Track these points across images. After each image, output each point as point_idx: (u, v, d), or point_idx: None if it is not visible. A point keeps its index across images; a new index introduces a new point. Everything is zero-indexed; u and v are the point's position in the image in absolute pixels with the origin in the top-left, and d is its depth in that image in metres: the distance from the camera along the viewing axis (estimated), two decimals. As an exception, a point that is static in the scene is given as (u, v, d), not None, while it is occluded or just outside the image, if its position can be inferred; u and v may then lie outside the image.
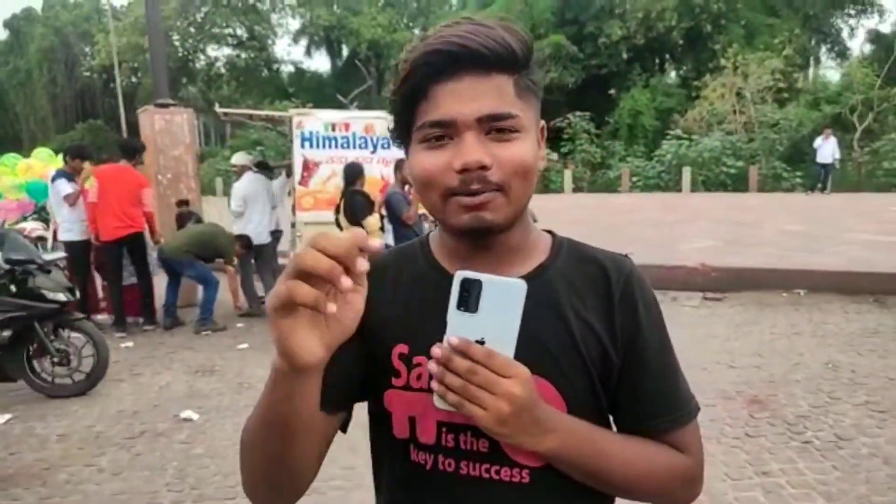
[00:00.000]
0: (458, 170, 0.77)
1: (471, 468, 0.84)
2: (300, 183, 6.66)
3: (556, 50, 30.55)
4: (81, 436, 4.05)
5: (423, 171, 0.81)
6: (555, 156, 24.12)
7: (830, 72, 32.97)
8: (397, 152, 6.68)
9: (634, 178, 22.11)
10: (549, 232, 0.94)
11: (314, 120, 6.68)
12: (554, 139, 25.82)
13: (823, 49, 35.24)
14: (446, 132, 0.78)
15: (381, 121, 6.83)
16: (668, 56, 34.54)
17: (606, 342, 0.84)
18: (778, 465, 3.34)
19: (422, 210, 6.21)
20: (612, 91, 31.68)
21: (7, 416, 4.38)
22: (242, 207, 6.90)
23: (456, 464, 0.84)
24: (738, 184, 19.86)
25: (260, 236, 7.02)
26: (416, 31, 40.89)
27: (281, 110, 13.84)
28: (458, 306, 0.73)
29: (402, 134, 0.85)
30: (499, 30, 0.78)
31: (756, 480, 3.19)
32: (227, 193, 21.14)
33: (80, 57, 38.71)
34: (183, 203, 8.05)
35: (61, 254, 6.27)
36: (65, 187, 6.53)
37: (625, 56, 31.72)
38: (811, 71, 33.23)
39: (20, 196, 9.25)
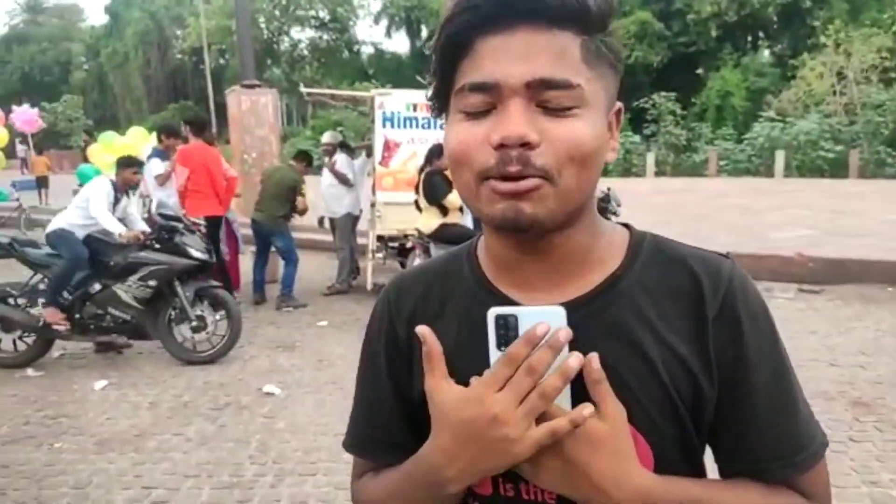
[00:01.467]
0: (496, 145, 0.62)
1: None
2: (381, 163, 6.67)
3: (641, 27, 29.62)
4: (170, 405, 4.20)
5: (458, 146, 0.66)
6: (637, 138, 23.38)
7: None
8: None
9: (722, 162, 21.14)
10: (626, 226, 0.77)
11: (395, 100, 6.65)
12: (637, 121, 25.06)
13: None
14: (490, 99, 0.63)
15: (462, 100, 6.73)
16: (761, 33, 32.82)
17: (698, 371, 0.68)
18: (889, 475, 3.08)
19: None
20: (699, 70, 30.40)
21: (104, 383, 4.60)
22: (354, 180, 7.15)
23: None
24: (836, 169, 18.66)
25: (357, 207, 7.33)
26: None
27: (362, 90, 13.99)
28: (499, 345, 0.64)
29: (442, 100, 0.70)
30: None
31: (863, 490, 2.95)
32: (311, 173, 21.70)
33: (172, 40, 40.33)
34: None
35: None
36: (157, 167, 6.74)
37: (714, 34, 30.41)
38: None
39: (117, 173, 9.71)
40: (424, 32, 41.36)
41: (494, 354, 0.64)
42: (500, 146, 0.62)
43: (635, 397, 0.67)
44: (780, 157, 18.83)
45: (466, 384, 0.65)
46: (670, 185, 17.55)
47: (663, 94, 24.18)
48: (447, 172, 5.90)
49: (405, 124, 6.63)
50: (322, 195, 7.37)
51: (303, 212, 6.89)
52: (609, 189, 7.44)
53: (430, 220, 5.76)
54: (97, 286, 4.89)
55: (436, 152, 5.89)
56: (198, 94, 39.75)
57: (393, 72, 38.09)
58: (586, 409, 0.61)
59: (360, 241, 7.93)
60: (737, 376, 0.69)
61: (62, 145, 34.60)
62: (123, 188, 5.16)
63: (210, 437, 3.72)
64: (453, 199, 5.69)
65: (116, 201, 5.07)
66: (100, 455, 3.52)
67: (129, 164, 5.25)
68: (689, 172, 21.54)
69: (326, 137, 7.62)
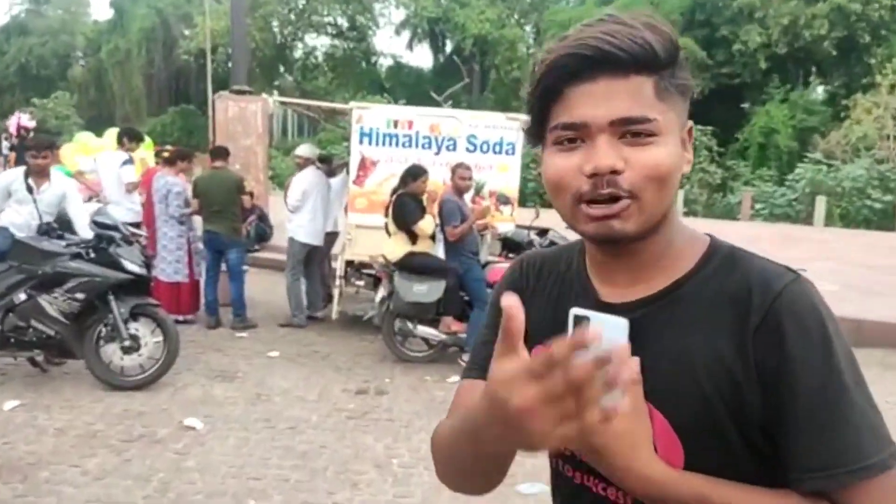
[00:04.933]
0: (589, 174, 0.81)
1: (592, 483, 0.90)
2: (355, 182, 6.67)
3: (681, 55, 29.75)
4: (79, 432, 4.15)
5: (554, 174, 0.85)
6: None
7: None
8: (462, 155, 6.57)
9: (759, 206, 20.95)
10: (711, 236, 0.92)
11: (375, 114, 6.68)
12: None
13: None
14: (578, 135, 0.83)
15: (449, 120, 6.74)
16: (813, 68, 32.72)
17: (741, 378, 0.80)
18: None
19: (485, 220, 6.04)
20: (744, 105, 30.34)
21: (15, 403, 4.56)
22: (300, 202, 6.98)
23: (582, 476, 0.91)
24: (883, 221, 18.43)
25: (313, 237, 7.07)
26: (528, 28, 40.90)
27: (377, 103, 14.05)
28: None
29: (537, 135, 0.90)
30: (640, 29, 0.80)
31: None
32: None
33: (178, 39, 41.03)
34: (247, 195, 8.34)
35: (144, 232, 6.74)
36: (129, 174, 6.96)
37: (762, 66, 30.35)
38: None
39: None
40: (449, 47, 41.77)
41: None
42: (593, 174, 0.81)
43: (670, 390, 0.82)
44: (821, 203, 18.61)
45: None
46: (695, 226, 17.27)
47: (699, 127, 24.06)
48: (424, 196, 5.90)
49: (384, 142, 6.64)
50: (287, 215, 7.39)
51: (246, 211, 7.03)
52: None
53: (397, 247, 5.73)
54: (22, 296, 4.87)
55: (412, 173, 5.89)
56: (201, 97, 40.34)
57: (411, 86, 38.41)
58: (619, 404, 0.64)
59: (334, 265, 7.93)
60: (779, 386, 0.79)
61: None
62: (33, 174, 5.30)
63: (110, 472, 3.66)
64: (425, 225, 5.67)
65: (29, 190, 5.22)
66: (-18, 483, 3.47)
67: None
68: (722, 214, 21.38)
69: (300, 151, 7.58)
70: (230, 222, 6.78)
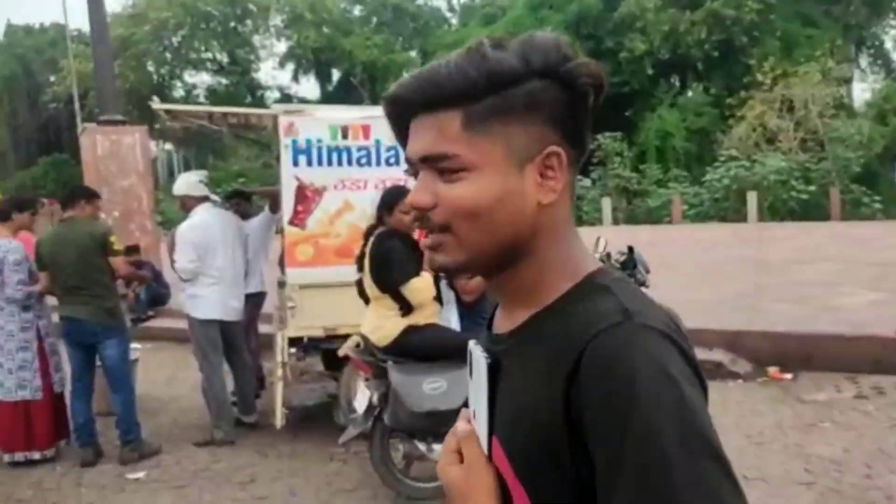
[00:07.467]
0: (407, 209, 0.94)
1: None
2: (292, 222, 4.31)
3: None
4: None
5: None
6: (588, 182, 21.95)
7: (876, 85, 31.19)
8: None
9: (684, 207, 19.85)
10: (594, 271, 0.78)
11: (314, 122, 4.34)
12: (584, 164, 23.90)
13: (865, 62, 33.72)
14: (413, 170, 0.81)
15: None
16: (695, 72, 32.80)
17: (556, 428, 0.69)
18: None
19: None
20: (629, 112, 29.83)
21: None
22: (197, 264, 4.50)
23: None
24: (809, 211, 17.61)
25: (220, 309, 4.59)
26: (413, 53, 39.39)
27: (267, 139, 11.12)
28: (469, 373, 0.81)
29: None
30: (456, 62, 0.74)
31: None
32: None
33: (43, 86, 36.77)
34: (132, 250, 5.88)
35: None
36: None
37: (649, 72, 30.01)
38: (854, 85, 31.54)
39: None
40: (336, 76, 39.65)
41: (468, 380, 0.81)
42: (410, 209, 0.82)
43: (513, 442, 0.75)
44: (752, 198, 17.57)
45: None
46: (639, 234, 15.16)
47: (608, 133, 23.05)
48: (416, 234, 3.65)
49: (330, 160, 4.33)
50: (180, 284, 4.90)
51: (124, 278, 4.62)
52: (633, 250, 5.33)
53: (386, 322, 3.42)
54: None
55: (386, 201, 3.62)
56: (75, 145, 36.24)
57: (302, 118, 35.86)
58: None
59: (263, 329, 5.57)
60: (589, 449, 0.68)
61: None
62: None
63: None
64: (419, 287, 3.40)
65: None
66: None
67: None
68: (647, 219, 20.12)
69: (181, 185, 4.82)
70: (98, 301, 4.24)
